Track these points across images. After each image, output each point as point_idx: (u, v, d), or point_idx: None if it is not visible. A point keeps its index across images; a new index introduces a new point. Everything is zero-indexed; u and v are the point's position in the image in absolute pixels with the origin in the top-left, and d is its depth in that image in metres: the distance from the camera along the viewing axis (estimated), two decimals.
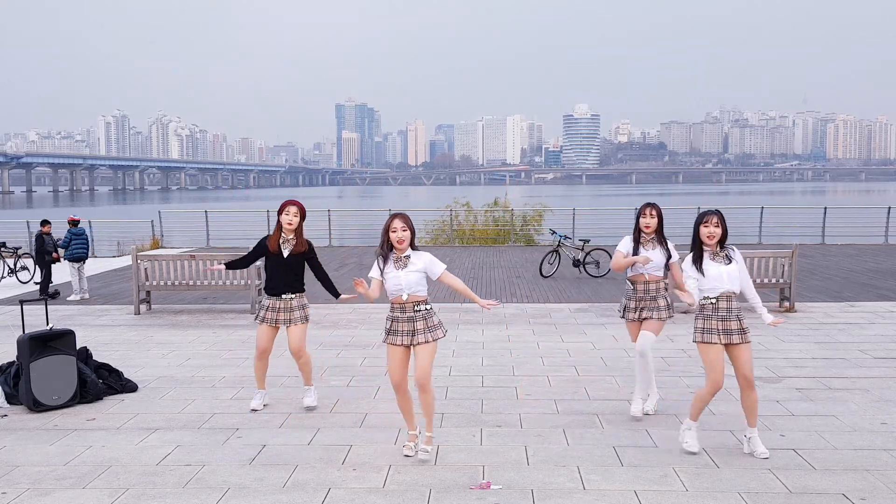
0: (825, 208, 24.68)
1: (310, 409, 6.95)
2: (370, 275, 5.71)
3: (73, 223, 14.12)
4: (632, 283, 6.59)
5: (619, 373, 8.16)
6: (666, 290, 6.59)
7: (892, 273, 16.17)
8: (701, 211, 5.76)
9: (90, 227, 23.90)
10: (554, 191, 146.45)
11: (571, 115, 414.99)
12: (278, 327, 6.87)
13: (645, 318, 6.54)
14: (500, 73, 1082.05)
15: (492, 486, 5.17)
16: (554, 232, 18.04)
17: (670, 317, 6.61)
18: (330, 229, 25.41)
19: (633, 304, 6.59)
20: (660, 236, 6.52)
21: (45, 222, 14.51)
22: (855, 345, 9.41)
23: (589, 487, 5.16)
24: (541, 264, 16.46)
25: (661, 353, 9.11)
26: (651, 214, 6.46)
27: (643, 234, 6.51)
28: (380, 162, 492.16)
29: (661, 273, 6.52)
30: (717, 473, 5.37)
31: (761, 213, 24.58)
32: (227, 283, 12.29)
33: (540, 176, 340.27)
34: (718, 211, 5.67)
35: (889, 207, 24.18)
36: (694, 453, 5.71)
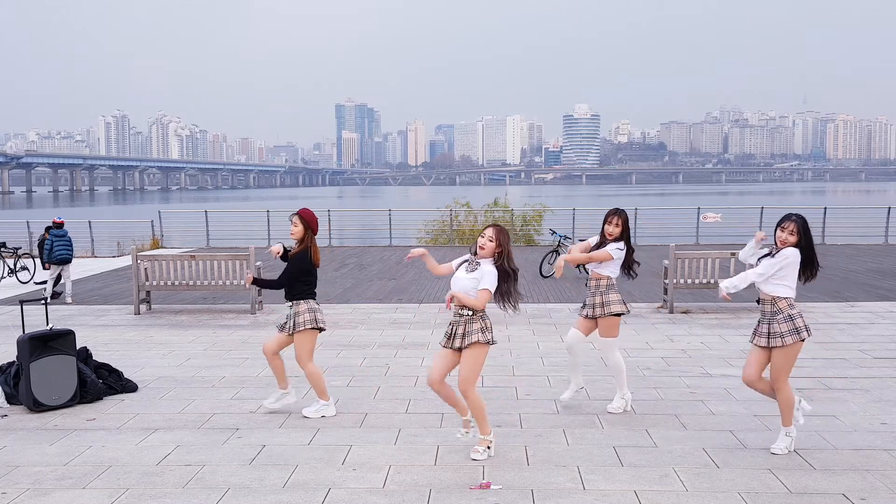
0: (825, 208, 24.69)
1: (306, 418, 6.84)
2: (453, 262, 5.88)
3: (57, 226, 13.96)
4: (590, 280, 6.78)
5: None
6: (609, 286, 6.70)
7: (892, 273, 16.18)
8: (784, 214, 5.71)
9: (90, 227, 23.92)
10: (554, 191, 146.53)
11: (571, 115, 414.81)
12: (292, 335, 6.74)
13: (597, 317, 6.68)
14: (500, 73, 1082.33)
15: (492, 486, 5.17)
16: (554, 232, 18.05)
17: (623, 312, 6.68)
18: (330, 229, 25.40)
19: (586, 301, 6.78)
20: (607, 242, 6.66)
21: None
22: (855, 345, 9.41)
23: (589, 487, 5.16)
24: (541, 264, 16.46)
25: (661, 352, 9.12)
26: (615, 224, 6.63)
27: (607, 240, 6.67)
28: (380, 162, 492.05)
29: (602, 271, 6.66)
30: (717, 473, 5.38)
31: (761, 213, 24.57)
32: (227, 283, 12.29)
33: (540, 176, 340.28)
34: (801, 218, 5.59)
35: (889, 207, 24.18)
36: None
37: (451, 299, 5.59)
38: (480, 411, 5.72)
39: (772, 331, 5.59)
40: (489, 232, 5.63)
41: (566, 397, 6.94)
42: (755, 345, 5.72)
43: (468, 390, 5.64)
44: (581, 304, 6.85)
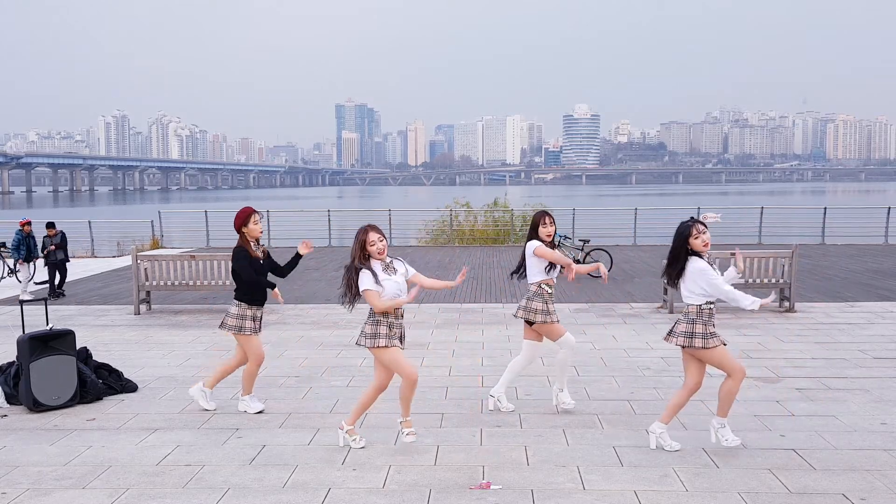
0: (825, 208, 24.69)
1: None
2: (368, 288, 5.61)
3: None
4: (549, 287, 6.70)
5: (619, 373, 8.16)
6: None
7: (892, 273, 16.18)
8: (682, 224, 5.70)
9: (90, 227, 23.92)
10: (554, 191, 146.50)
11: (571, 115, 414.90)
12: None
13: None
14: (500, 73, 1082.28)
15: (492, 486, 5.17)
16: None
17: None
18: (330, 229, 25.40)
19: (552, 308, 6.72)
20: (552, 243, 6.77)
21: (49, 225, 14.53)
22: (855, 345, 9.41)
23: (589, 487, 5.16)
24: None
25: (661, 352, 9.11)
26: (551, 223, 6.66)
27: (545, 242, 6.67)
28: (380, 162, 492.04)
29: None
30: (717, 473, 5.38)
31: (761, 213, 24.58)
32: (228, 283, 12.28)
33: (540, 176, 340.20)
34: (697, 219, 5.72)
35: (889, 207, 24.18)
36: (736, 446, 5.73)
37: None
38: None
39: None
40: (375, 236, 5.65)
41: (571, 404, 6.85)
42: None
43: None
44: (551, 312, 6.71)
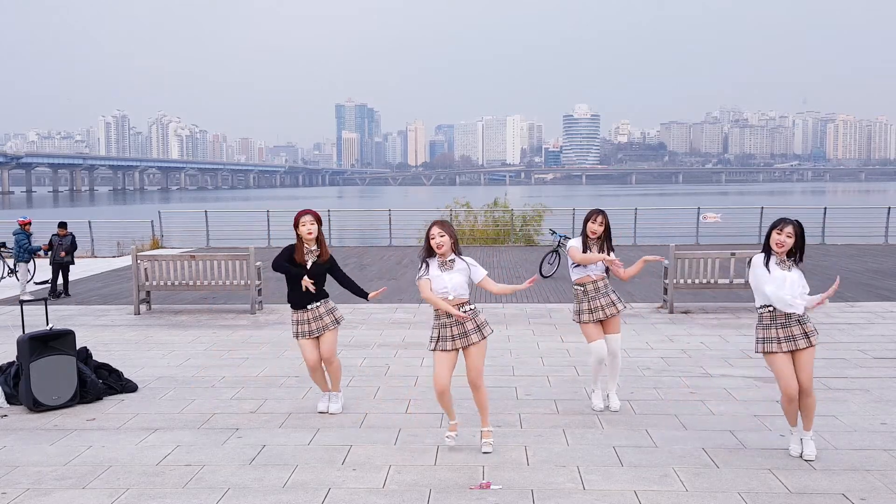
0: (825, 208, 24.72)
1: (334, 415, 6.86)
2: (419, 277, 5.76)
3: None
4: (581, 286, 6.73)
5: (619, 373, 8.15)
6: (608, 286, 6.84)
7: (892, 273, 16.18)
8: (777, 218, 5.56)
9: (90, 227, 23.92)
10: (554, 191, 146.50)
11: (571, 115, 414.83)
12: (317, 337, 6.77)
13: (609, 317, 6.73)
14: (500, 73, 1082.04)
15: (492, 486, 5.17)
16: (554, 232, 18.05)
17: (625, 307, 6.88)
18: (330, 229, 25.39)
19: (586, 306, 6.72)
20: (606, 242, 6.74)
21: (61, 225, 14.58)
22: (855, 345, 9.41)
23: (589, 487, 5.16)
24: (541, 264, 16.46)
25: (661, 352, 9.11)
26: (599, 223, 6.69)
27: (589, 239, 6.72)
28: (380, 162, 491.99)
29: (603, 272, 6.77)
30: (717, 473, 5.38)
31: (761, 213, 24.58)
32: (227, 283, 12.30)
33: (540, 176, 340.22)
34: (797, 221, 5.46)
35: (889, 207, 24.18)
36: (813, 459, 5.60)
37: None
38: (487, 402, 5.93)
39: (807, 330, 5.50)
40: (437, 230, 5.70)
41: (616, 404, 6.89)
42: (793, 350, 5.48)
43: (482, 382, 5.83)
44: (578, 312, 6.75)
